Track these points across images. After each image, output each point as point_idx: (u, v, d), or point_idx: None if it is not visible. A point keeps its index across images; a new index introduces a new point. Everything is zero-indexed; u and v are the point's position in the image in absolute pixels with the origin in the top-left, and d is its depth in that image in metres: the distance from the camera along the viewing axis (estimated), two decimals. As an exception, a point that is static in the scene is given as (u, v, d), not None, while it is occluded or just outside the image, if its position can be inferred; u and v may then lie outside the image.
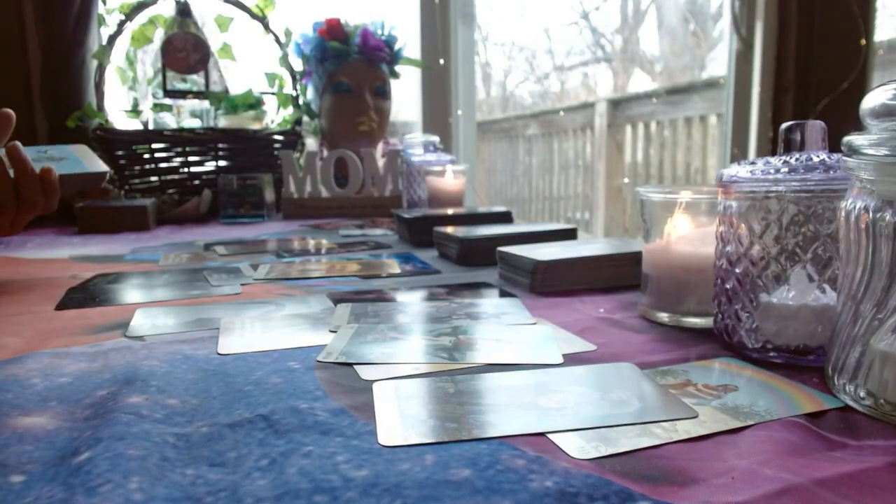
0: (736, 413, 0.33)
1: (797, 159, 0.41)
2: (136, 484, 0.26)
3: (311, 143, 1.65)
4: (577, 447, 0.29)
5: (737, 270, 0.43)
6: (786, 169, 0.41)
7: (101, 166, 0.79)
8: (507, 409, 0.34)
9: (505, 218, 1.03)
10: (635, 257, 0.64)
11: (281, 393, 0.36)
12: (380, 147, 1.64)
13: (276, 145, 1.51)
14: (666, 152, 3.17)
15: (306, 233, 1.15)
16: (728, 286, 0.44)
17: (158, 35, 1.50)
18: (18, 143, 0.67)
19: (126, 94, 1.54)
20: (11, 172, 0.66)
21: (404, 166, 1.44)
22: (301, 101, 1.60)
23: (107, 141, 1.39)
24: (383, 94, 1.63)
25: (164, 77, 1.47)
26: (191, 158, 1.46)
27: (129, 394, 0.36)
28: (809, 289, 0.41)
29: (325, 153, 1.53)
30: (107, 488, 0.25)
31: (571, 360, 0.42)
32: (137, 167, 1.43)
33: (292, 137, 1.53)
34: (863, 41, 1.81)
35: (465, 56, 1.97)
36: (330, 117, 1.61)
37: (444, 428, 0.31)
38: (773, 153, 0.44)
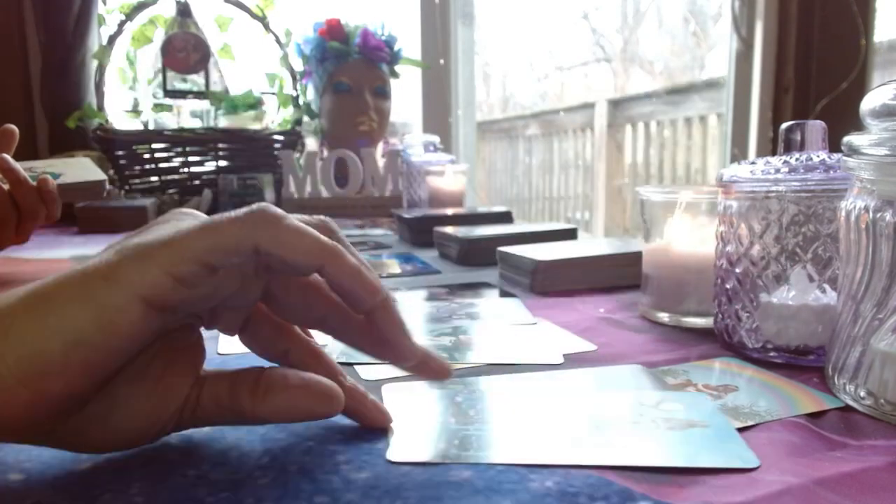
0: (736, 413, 0.33)
1: (797, 159, 0.41)
2: (137, 488, 0.26)
3: (311, 143, 1.65)
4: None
5: (737, 270, 0.43)
6: (786, 169, 0.41)
7: (99, 174, 0.80)
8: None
9: (505, 218, 1.03)
10: (635, 257, 0.64)
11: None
12: (380, 147, 1.64)
13: (277, 145, 1.51)
14: (666, 152, 3.17)
15: (306, 233, 1.14)
16: (728, 286, 0.44)
17: (158, 35, 1.50)
18: (6, 155, 0.67)
19: (126, 94, 1.53)
20: (6, 186, 0.66)
21: (404, 166, 1.44)
22: (301, 101, 1.60)
23: (107, 141, 1.39)
24: (383, 94, 1.63)
25: (164, 77, 1.47)
26: (191, 158, 1.46)
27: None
28: (809, 289, 0.41)
29: (325, 153, 1.53)
30: (108, 497, 0.25)
31: (572, 360, 0.42)
32: (137, 167, 1.43)
33: (292, 137, 1.53)
34: (863, 41, 1.81)
35: (465, 56, 1.97)
36: (330, 117, 1.61)
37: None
38: (773, 153, 0.44)
